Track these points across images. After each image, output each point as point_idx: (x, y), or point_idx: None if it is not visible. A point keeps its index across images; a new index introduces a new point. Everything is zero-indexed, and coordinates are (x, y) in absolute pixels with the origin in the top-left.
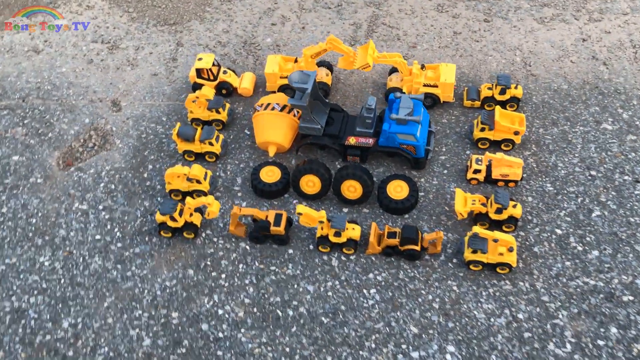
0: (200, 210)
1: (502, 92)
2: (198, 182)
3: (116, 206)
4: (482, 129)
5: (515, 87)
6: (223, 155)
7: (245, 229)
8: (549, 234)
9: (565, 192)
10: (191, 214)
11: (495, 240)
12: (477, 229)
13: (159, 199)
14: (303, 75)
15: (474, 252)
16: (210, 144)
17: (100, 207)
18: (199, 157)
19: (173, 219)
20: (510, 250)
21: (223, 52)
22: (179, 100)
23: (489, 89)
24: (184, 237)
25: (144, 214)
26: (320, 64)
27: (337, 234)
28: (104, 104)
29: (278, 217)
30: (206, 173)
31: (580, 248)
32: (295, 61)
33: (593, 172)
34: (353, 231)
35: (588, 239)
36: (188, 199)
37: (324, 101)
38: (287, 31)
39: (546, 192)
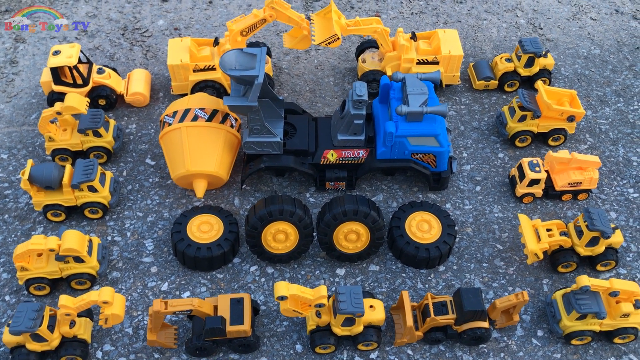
0: (88, 313)
1: (529, 62)
2: (77, 259)
3: None
4: (522, 118)
5: (545, 55)
6: (115, 205)
7: (176, 335)
8: None
9: None
10: (73, 323)
11: (615, 294)
12: (584, 279)
13: (6, 299)
14: (244, 55)
15: (582, 317)
16: (91, 189)
17: None
18: (73, 215)
19: (38, 337)
20: (638, 306)
21: (92, 45)
22: (26, 124)
23: (508, 60)
24: None
25: None
26: (251, 45)
27: (349, 322)
28: None
29: (236, 307)
30: (90, 241)
31: None
32: (215, 43)
33: None
34: (372, 312)
35: None
36: (64, 297)
37: (277, 99)
38: (187, 8)
39: (631, 200)
